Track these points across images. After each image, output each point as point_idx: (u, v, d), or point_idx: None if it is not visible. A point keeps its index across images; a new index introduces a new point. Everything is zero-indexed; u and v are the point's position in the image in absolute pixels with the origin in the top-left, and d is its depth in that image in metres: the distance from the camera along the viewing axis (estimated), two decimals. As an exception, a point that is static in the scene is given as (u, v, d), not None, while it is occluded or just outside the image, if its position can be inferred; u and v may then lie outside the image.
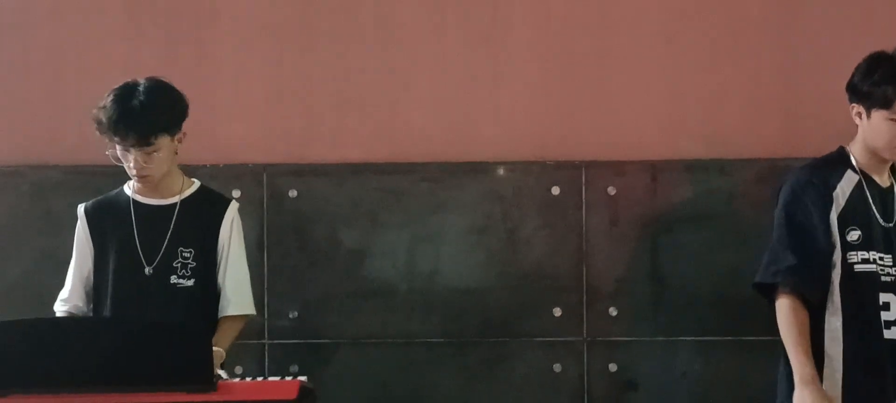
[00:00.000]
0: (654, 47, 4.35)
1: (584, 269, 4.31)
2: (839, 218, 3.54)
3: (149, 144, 3.53)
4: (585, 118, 4.35)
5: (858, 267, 3.52)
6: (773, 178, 4.21)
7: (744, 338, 4.26)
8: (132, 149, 3.54)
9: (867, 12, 4.31)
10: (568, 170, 4.32)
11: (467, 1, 4.38)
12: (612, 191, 4.32)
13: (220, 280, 3.64)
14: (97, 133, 3.57)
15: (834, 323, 3.52)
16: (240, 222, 3.71)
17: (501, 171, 4.33)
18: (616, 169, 4.31)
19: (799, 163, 4.13)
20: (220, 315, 3.64)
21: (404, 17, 4.37)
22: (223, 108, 4.38)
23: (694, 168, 4.31)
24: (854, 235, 3.54)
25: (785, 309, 3.53)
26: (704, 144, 4.32)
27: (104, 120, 3.52)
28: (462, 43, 4.37)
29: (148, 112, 3.52)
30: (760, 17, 4.34)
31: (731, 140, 4.31)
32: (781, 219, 3.57)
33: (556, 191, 4.33)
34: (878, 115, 3.53)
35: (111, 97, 3.54)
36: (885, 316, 3.51)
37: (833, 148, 3.68)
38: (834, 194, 3.55)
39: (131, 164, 3.56)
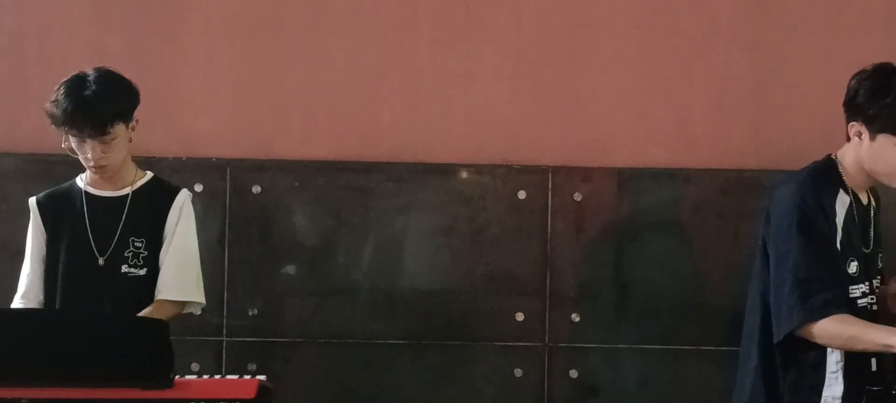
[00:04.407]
0: (623, 55, 4.34)
1: (548, 274, 4.29)
2: (840, 248, 3.25)
3: (106, 133, 3.50)
4: (553, 123, 4.33)
5: (861, 302, 3.25)
6: (740, 189, 4.23)
7: (706, 347, 4.25)
8: (89, 140, 3.50)
9: (837, 25, 4.31)
10: (535, 175, 4.30)
11: (439, 1, 4.35)
12: (578, 196, 4.31)
13: (159, 262, 3.59)
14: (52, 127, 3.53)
15: (834, 364, 3.26)
16: (191, 210, 3.66)
17: (468, 174, 4.31)
18: (583, 174, 4.30)
19: (766, 174, 4.15)
20: (155, 297, 3.56)
21: (376, 15, 4.34)
22: (189, 100, 4.33)
23: (660, 176, 4.30)
24: (853, 267, 3.27)
25: (830, 327, 3.18)
26: (672, 153, 4.31)
27: (59, 113, 3.48)
28: (433, 43, 4.34)
29: (103, 101, 3.48)
30: (730, 27, 4.33)
31: (698, 149, 4.31)
32: (803, 245, 3.19)
33: (522, 194, 4.31)
34: (886, 140, 3.22)
35: (62, 90, 3.50)
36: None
37: (801, 160, 3.54)
38: (835, 222, 3.25)
39: (89, 155, 3.52)
